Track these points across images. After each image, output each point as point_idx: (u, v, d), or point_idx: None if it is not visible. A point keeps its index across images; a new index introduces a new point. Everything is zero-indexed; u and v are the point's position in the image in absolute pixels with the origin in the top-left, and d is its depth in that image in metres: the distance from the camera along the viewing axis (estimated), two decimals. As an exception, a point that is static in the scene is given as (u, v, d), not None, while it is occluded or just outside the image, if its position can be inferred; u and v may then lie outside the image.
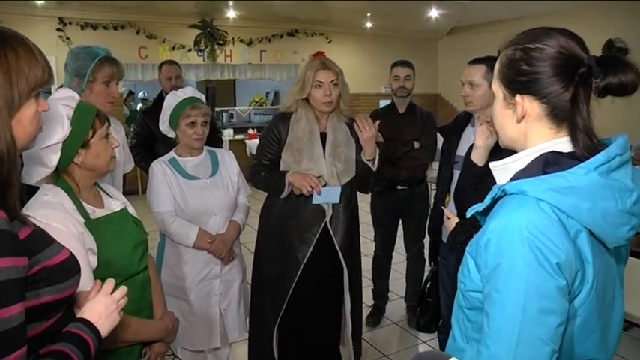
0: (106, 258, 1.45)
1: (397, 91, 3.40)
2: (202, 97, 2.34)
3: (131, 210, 1.67)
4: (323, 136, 2.40)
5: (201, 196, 2.25)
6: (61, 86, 1.97)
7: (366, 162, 2.41)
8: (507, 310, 0.89)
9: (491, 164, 1.10)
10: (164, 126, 2.33)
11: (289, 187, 2.35)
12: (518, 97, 1.02)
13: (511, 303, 0.89)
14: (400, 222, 3.55)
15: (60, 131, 1.40)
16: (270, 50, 8.70)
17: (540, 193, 0.92)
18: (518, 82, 1.01)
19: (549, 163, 0.97)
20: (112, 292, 1.18)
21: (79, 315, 1.10)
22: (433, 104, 10.15)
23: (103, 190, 1.63)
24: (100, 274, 1.39)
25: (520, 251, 0.89)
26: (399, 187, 3.40)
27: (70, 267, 1.04)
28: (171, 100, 2.29)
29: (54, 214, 1.37)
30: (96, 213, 1.49)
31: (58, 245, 1.03)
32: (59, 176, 1.47)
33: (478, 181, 1.92)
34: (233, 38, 8.31)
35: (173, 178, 2.24)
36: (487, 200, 1.03)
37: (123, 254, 1.51)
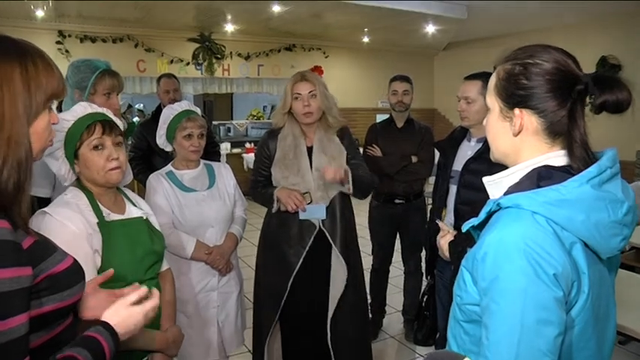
0: (110, 260, 1.49)
1: (395, 105, 3.44)
2: (198, 110, 2.37)
3: (153, 221, 1.74)
4: (310, 151, 2.42)
5: (198, 208, 2.26)
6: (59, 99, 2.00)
7: (341, 189, 2.41)
8: (506, 321, 0.90)
9: (485, 179, 1.12)
10: (161, 139, 2.35)
11: (278, 203, 2.38)
12: (517, 111, 1.03)
13: (509, 315, 0.90)
14: (398, 236, 3.56)
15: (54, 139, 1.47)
16: (268, 64, 8.77)
17: (535, 206, 0.94)
18: (517, 96, 1.03)
19: (543, 177, 0.99)
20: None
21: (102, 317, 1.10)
22: (430, 119, 10.22)
23: (128, 198, 1.70)
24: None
25: (517, 263, 0.90)
26: (396, 201, 3.42)
27: (74, 274, 1.05)
28: (167, 114, 2.32)
29: (68, 213, 1.46)
30: (111, 216, 1.56)
31: (61, 253, 1.04)
32: (80, 181, 1.60)
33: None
34: (231, 52, 8.38)
35: (170, 191, 2.25)
36: (482, 214, 1.04)
37: (129, 259, 1.54)
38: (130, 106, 9.30)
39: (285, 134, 2.43)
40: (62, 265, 1.01)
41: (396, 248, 3.60)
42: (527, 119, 1.03)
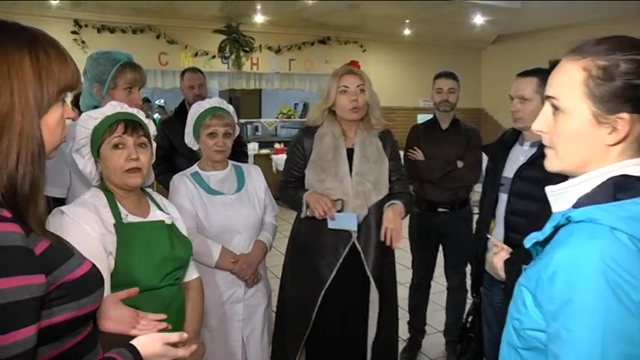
0: (124, 263, 1.57)
1: (440, 105, 3.41)
2: (230, 108, 2.40)
3: (180, 226, 1.81)
4: (350, 153, 2.43)
5: (225, 212, 2.29)
6: (76, 93, 2.09)
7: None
8: (582, 351, 0.86)
9: (548, 189, 1.07)
10: (188, 137, 2.40)
11: (308, 208, 2.39)
12: (624, 115, 0.96)
13: (586, 344, 0.85)
14: (440, 248, 3.53)
15: (79, 135, 1.64)
16: (300, 59, 8.84)
17: (616, 221, 0.90)
18: (627, 99, 0.95)
19: (621, 188, 0.95)
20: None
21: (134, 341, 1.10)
22: (476, 120, 10.10)
23: (154, 201, 1.78)
24: (113, 280, 1.55)
25: (595, 286, 0.85)
26: (440, 210, 3.39)
27: (92, 280, 1.07)
28: (194, 110, 2.36)
29: (83, 213, 1.55)
30: (129, 217, 1.64)
31: (78, 257, 1.05)
32: (103, 181, 1.69)
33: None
34: (260, 45, 8.47)
35: (195, 193, 2.29)
36: (547, 229, 1.01)
37: (144, 264, 1.60)
38: (147, 101, 9.45)
39: (323, 133, 2.44)
40: (79, 271, 1.02)
41: (438, 262, 3.57)
42: (636, 126, 0.96)
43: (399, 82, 9.51)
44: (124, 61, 2.16)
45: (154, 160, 1.78)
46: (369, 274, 2.40)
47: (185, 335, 1.15)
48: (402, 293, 3.20)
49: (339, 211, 2.34)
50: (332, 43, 8.99)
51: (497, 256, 1.73)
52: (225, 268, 2.28)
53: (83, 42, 7.29)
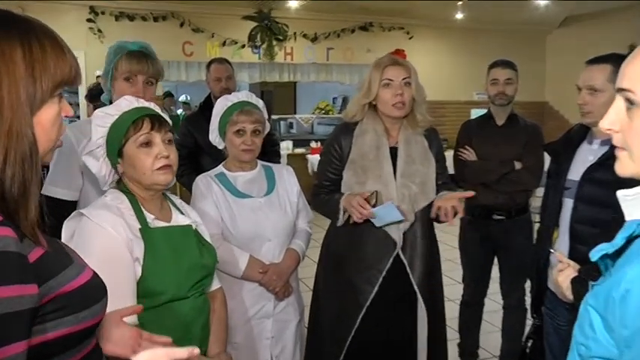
0: (152, 270, 1.61)
1: (495, 98, 3.38)
2: (259, 102, 2.44)
3: (202, 231, 1.87)
4: (393, 152, 2.43)
5: (253, 217, 2.32)
6: (90, 87, 2.16)
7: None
8: None
9: (620, 193, 1.04)
10: (213, 135, 2.44)
11: (346, 214, 2.38)
12: None
13: None
14: (495, 260, 3.49)
15: (95, 135, 1.68)
16: (339, 47, 8.85)
17: None
18: None
19: None
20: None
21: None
22: (539, 115, 9.89)
23: (175, 206, 1.83)
24: (139, 288, 1.59)
25: None
26: (495, 217, 3.35)
27: (93, 292, 1.07)
28: (221, 105, 2.40)
29: (107, 216, 1.60)
30: (155, 222, 1.69)
31: (77, 266, 1.05)
32: (123, 183, 1.73)
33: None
34: (295, 33, 8.52)
35: (221, 195, 2.33)
36: (619, 239, 0.99)
37: (172, 272, 1.65)
38: (169, 95, 9.61)
39: (363, 129, 2.45)
40: (78, 281, 1.02)
41: (493, 276, 3.53)
42: None
43: (449, 72, 9.43)
44: (130, 49, 2.20)
45: None
46: (415, 288, 2.39)
47: (196, 351, 1.13)
48: (451, 311, 3.18)
49: (373, 205, 2.32)
50: (375, 30, 8.98)
51: (563, 274, 1.69)
52: (252, 279, 2.31)
53: (100, 31, 7.46)
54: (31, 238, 0.95)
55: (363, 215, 2.29)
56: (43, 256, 0.97)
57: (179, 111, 10.21)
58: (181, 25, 7.98)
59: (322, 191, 2.52)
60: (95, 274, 1.10)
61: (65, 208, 1.95)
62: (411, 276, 2.39)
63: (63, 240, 1.60)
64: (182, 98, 12.34)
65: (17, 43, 0.95)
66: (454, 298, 3.68)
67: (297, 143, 8.92)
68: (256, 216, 2.32)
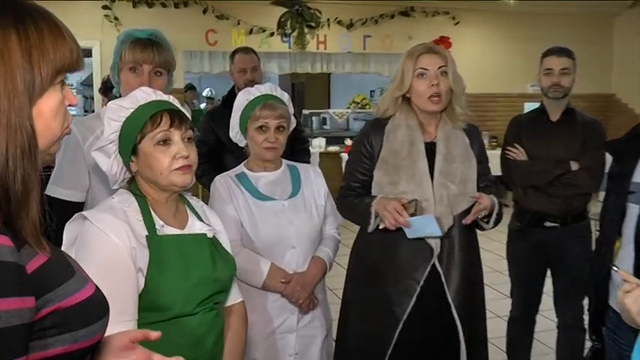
0: (157, 282, 1.60)
1: (549, 90, 3.33)
2: (284, 95, 2.45)
3: (223, 240, 1.86)
4: (430, 148, 2.42)
5: (276, 221, 2.32)
6: (104, 79, 2.20)
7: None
8: None
9: None
10: (234, 131, 2.47)
11: (377, 219, 2.36)
12: None
13: None
14: (549, 273, 3.44)
15: (107, 130, 1.69)
16: (377, 35, 8.85)
17: None
18: None
19: None
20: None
21: None
22: (603, 109, 9.70)
23: (193, 210, 1.83)
24: (142, 301, 1.59)
25: None
26: (547, 224, 3.30)
27: (94, 308, 1.07)
28: (242, 99, 2.41)
29: (110, 221, 1.60)
30: (165, 229, 1.69)
31: (79, 279, 1.06)
32: (135, 183, 1.74)
33: None
34: (328, 19, 8.54)
35: (241, 198, 2.34)
36: None
37: (177, 285, 1.63)
38: (191, 88, 9.70)
39: (395, 125, 2.45)
40: (79, 296, 1.02)
41: (545, 290, 3.48)
42: None
43: (500, 62, 9.33)
44: (137, 37, 2.21)
45: None
46: (451, 303, 2.37)
47: None
48: (498, 330, 3.13)
49: (412, 215, 2.30)
50: (417, 15, 8.95)
51: (631, 296, 1.64)
52: (274, 289, 2.31)
53: (116, 19, 7.59)
54: (32, 241, 0.96)
55: (397, 223, 2.27)
56: (44, 266, 0.97)
57: (202, 106, 10.31)
58: (204, 11, 8.08)
59: (350, 194, 2.50)
60: (97, 289, 1.10)
61: (70, 210, 1.97)
62: (446, 288, 2.37)
63: (64, 244, 1.63)
64: (206, 92, 12.47)
65: (12, 27, 0.95)
66: (502, 314, 3.64)
67: (330, 141, 8.94)
68: (279, 220, 2.33)
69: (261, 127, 2.33)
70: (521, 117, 3.55)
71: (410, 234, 2.31)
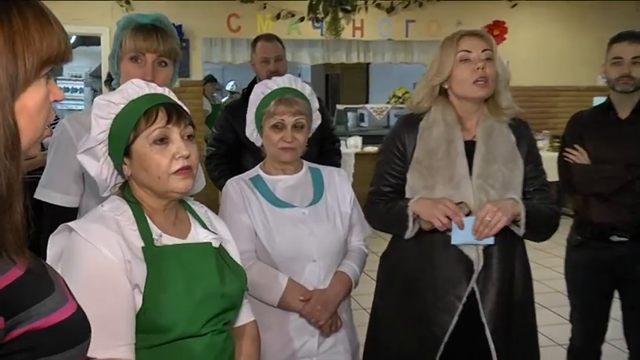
0: (154, 301, 1.58)
1: (617, 82, 3.28)
2: (306, 89, 2.45)
3: (231, 250, 1.86)
4: (470, 147, 2.40)
5: (294, 231, 2.33)
6: (109, 75, 2.20)
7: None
8: None
9: None
10: (249, 129, 2.48)
11: (416, 222, 2.35)
12: None
13: None
14: (616, 294, 3.38)
15: (95, 129, 1.67)
16: (422, 20, 8.83)
17: None
18: None
19: None
20: None
21: None
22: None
23: (196, 217, 1.82)
24: (140, 322, 1.56)
25: None
26: (614, 239, 3.24)
27: (73, 331, 1.06)
28: (257, 93, 2.43)
29: (101, 233, 1.57)
30: (163, 239, 1.67)
31: (57, 298, 1.06)
32: (128, 189, 1.72)
33: None
34: (366, 2, 8.56)
35: (255, 204, 2.35)
36: None
37: (180, 302, 1.61)
38: (212, 80, 9.78)
39: (431, 121, 2.44)
40: (55, 317, 1.02)
41: (612, 315, 3.42)
42: None
43: (566, 50, 9.22)
44: (139, 23, 2.22)
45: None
46: (484, 323, 2.35)
47: None
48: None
49: (467, 215, 2.31)
50: (467, -4, 8.88)
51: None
52: (291, 307, 2.31)
53: (128, 3, 7.66)
54: (13, 249, 0.96)
55: (446, 223, 2.26)
56: (17, 282, 0.98)
57: (223, 100, 10.38)
58: (226, -7, 8.12)
59: (380, 200, 2.49)
60: (79, 309, 1.10)
61: (63, 217, 1.97)
62: (480, 308, 2.35)
63: (48, 259, 1.61)
64: (230, 86, 12.53)
65: None
66: (561, 341, 3.59)
67: (367, 140, 8.87)
68: (298, 230, 2.34)
69: (276, 124, 2.34)
70: (583, 113, 3.49)
71: (456, 239, 2.30)
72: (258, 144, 2.49)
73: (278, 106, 2.33)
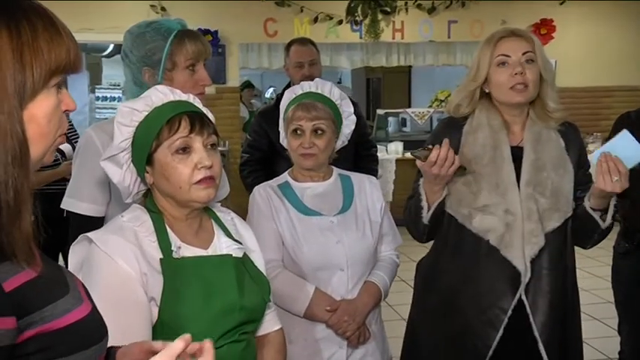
0: (170, 313, 1.60)
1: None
2: (334, 92, 2.44)
3: (256, 259, 1.86)
4: (517, 153, 2.37)
5: (323, 240, 2.33)
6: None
7: (589, 210, 2.31)
8: None
9: None
10: (281, 136, 2.50)
11: (428, 206, 2.34)
12: None
13: None
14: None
15: (118, 136, 1.70)
16: (465, 20, 8.79)
17: None
18: None
19: None
20: None
21: None
22: None
23: (221, 225, 1.84)
24: (156, 335, 1.58)
25: None
26: (666, 246, 3.17)
27: (88, 332, 1.08)
28: (285, 99, 2.46)
29: (119, 244, 1.60)
30: (182, 250, 1.69)
31: (72, 299, 1.08)
32: (151, 197, 1.74)
33: None
34: (406, 3, 8.53)
35: (283, 212, 2.36)
36: None
37: (197, 315, 1.62)
38: (249, 86, 9.85)
39: (475, 125, 2.41)
40: (68, 318, 1.04)
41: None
42: None
43: (619, 48, 9.07)
44: (177, 29, 2.23)
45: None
46: (537, 336, 2.31)
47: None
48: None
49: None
50: (513, -5, 8.80)
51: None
52: (318, 318, 2.32)
53: (163, 9, 7.74)
54: (23, 256, 0.99)
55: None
56: (28, 283, 0.99)
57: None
58: (263, -3, 8.16)
59: None
60: (94, 310, 1.12)
61: (90, 226, 2.00)
62: (532, 320, 2.33)
63: (70, 268, 1.64)
64: (270, 93, 12.61)
65: (3, 24, 0.99)
66: (611, 354, 3.51)
67: (409, 145, 8.81)
68: (326, 239, 2.34)
69: (295, 130, 2.36)
70: (630, 114, 3.42)
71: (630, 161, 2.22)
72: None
73: (296, 112, 2.35)
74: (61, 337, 1.02)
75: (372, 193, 2.50)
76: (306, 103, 2.36)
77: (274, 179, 2.51)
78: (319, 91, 2.42)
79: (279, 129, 2.51)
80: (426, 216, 2.36)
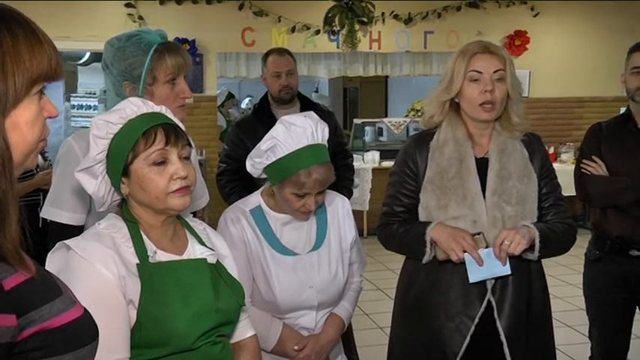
0: (148, 316, 1.63)
1: (637, 92, 3.29)
2: (325, 131, 2.32)
3: (229, 265, 1.90)
4: (482, 164, 2.42)
5: (296, 281, 2.31)
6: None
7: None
8: None
9: None
10: (251, 162, 2.38)
11: (433, 248, 2.36)
12: None
13: None
14: (638, 311, 3.37)
15: (94, 149, 1.72)
16: (441, 31, 8.82)
17: None
18: None
19: None
20: None
21: None
22: None
23: (193, 233, 1.88)
24: (134, 337, 1.63)
25: None
26: (633, 253, 3.22)
27: (82, 331, 1.11)
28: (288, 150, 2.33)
29: (97, 250, 1.64)
30: (158, 255, 1.73)
31: (67, 299, 1.11)
32: (126, 206, 1.77)
33: None
34: (383, 13, 8.57)
35: (255, 245, 2.30)
36: None
37: (174, 317, 1.66)
38: (231, 97, 9.85)
39: (442, 140, 2.46)
40: (65, 317, 1.07)
41: (635, 334, 3.41)
42: None
43: (591, 59, 9.17)
44: (157, 42, 2.21)
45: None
46: (503, 340, 2.36)
47: None
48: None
49: (484, 249, 2.32)
50: (487, 6, 8.86)
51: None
52: (285, 355, 2.31)
53: (141, 18, 7.73)
54: (13, 261, 1.02)
55: (461, 258, 2.27)
56: (26, 283, 1.03)
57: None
58: (240, 7, 8.15)
59: (393, 220, 2.52)
60: (86, 311, 1.15)
61: (70, 235, 2.01)
62: (499, 325, 2.37)
63: None
64: (245, 104, 12.57)
65: None
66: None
67: (386, 154, 8.86)
68: (300, 281, 2.32)
69: (299, 194, 2.26)
70: (600, 125, 3.48)
71: (474, 276, 2.30)
72: (257, 175, 2.37)
73: (309, 179, 2.19)
74: (59, 335, 1.05)
75: (344, 222, 2.48)
76: (321, 173, 2.22)
77: (246, 201, 2.43)
78: (322, 142, 2.29)
79: (259, 143, 2.32)
80: (426, 259, 2.39)
